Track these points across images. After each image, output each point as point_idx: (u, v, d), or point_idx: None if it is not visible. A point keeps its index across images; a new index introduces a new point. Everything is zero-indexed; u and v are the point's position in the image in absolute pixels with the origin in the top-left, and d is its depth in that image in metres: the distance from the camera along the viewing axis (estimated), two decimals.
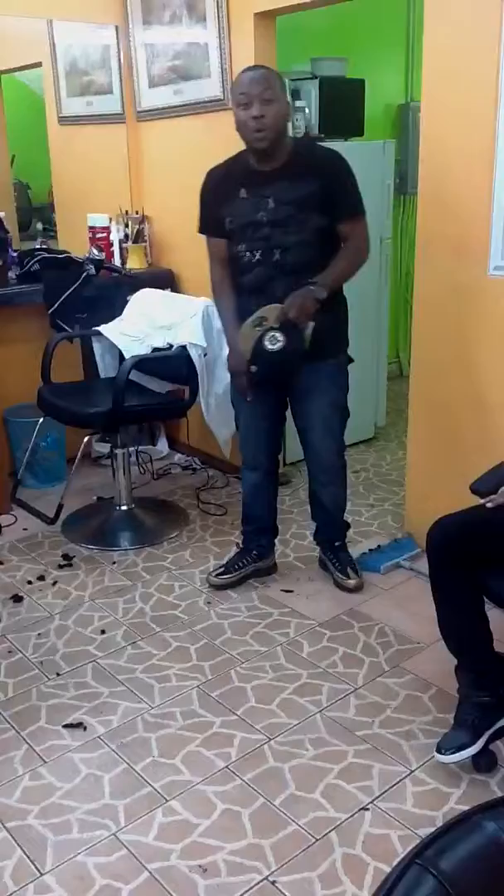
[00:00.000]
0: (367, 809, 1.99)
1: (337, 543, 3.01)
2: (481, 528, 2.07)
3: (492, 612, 2.08)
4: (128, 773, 2.13)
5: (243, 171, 2.60)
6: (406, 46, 4.84)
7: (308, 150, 2.65)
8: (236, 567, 3.00)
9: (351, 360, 2.79)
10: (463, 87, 2.64)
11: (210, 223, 2.71)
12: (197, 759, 2.17)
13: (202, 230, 2.76)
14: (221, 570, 3.01)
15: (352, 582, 2.92)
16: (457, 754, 2.06)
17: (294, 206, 2.52)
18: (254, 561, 3.02)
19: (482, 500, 2.09)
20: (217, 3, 3.37)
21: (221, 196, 2.64)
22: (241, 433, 2.94)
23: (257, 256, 2.59)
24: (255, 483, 2.96)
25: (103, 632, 2.75)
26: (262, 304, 2.56)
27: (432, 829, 1.78)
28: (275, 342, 2.51)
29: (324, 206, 2.53)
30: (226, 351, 3.31)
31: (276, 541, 3.10)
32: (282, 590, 2.97)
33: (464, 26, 2.59)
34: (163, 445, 4.27)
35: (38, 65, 4.38)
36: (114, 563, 3.21)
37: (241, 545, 3.09)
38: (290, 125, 2.68)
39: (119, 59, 3.98)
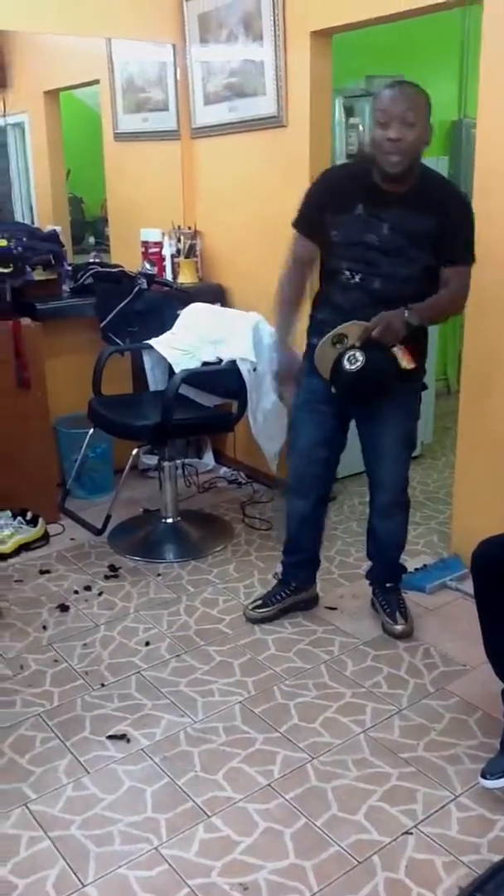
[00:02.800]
0: (411, 833, 1.97)
1: (388, 585, 2.88)
2: None
3: None
4: (170, 786, 2.14)
5: (364, 185, 2.41)
6: (460, 64, 4.84)
7: (435, 183, 2.45)
8: (274, 600, 2.89)
9: (425, 387, 2.68)
10: None
11: (309, 223, 2.53)
12: (239, 775, 2.17)
13: (297, 225, 2.56)
14: (259, 602, 2.91)
15: (399, 628, 2.77)
16: (502, 780, 2.04)
17: (408, 238, 2.37)
18: (293, 593, 2.91)
19: None
20: (274, 21, 3.40)
21: (335, 203, 2.45)
22: (296, 458, 2.76)
23: (357, 279, 2.45)
24: (305, 513, 2.80)
25: (148, 644, 2.76)
26: (342, 323, 2.44)
27: (476, 856, 1.76)
28: (354, 362, 2.37)
29: (437, 245, 2.39)
30: (274, 367, 3.32)
31: (317, 572, 2.98)
32: (326, 607, 2.96)
33: None
34: (209, 458, 4.29)
35: (96, 82, 4.46)
36: (159, 575, 3.23)
37: (279, 576, 2.98)
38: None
39: (175, 77, 4.04)
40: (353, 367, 2.38)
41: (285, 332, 2.64)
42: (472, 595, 2.20)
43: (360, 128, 3.78)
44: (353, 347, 2.38)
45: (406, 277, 2.41)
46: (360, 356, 2.36)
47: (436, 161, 4.06)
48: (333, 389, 2.49)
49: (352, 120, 3.77)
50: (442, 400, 4.82)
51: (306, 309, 2.67)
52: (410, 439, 2.71)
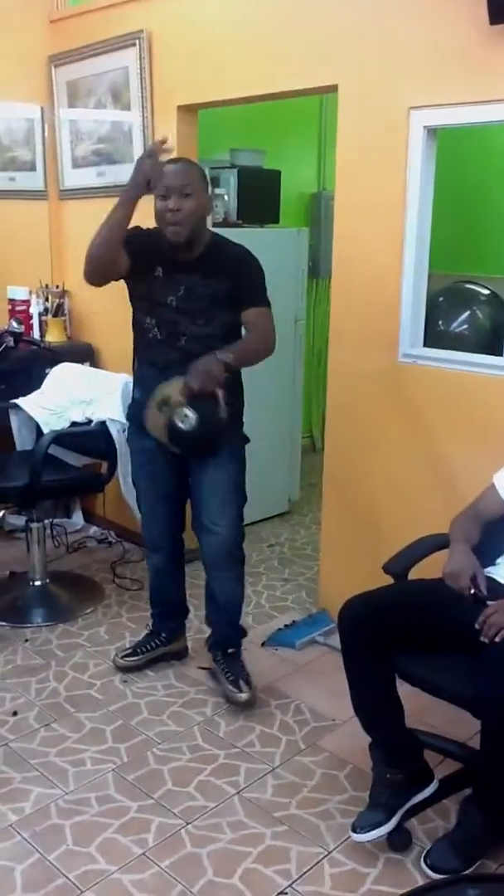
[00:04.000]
0: (286, 893, 1.99)
1: (230, 650, 2.83)
2: (391, 607, 2.14)
3: (403, 689, 2.13)
4: (41, 863, 2.07)
5: (162, 251, 2.55)
6: (318, 140, 5.12)
7: (221, 249, 2.59)
8: (144, 650, 2.94)
9: (247, 440, 2.72)
10: (373, 181, 2.82)
11: (132, 246, 2.52)
12: (113, 846, 2.13)
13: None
14: (129, 651, 2.96)
15: (243, 696, 2.69)
16: (371, 833, 2.09)
17: (205, 300, 2.53)
18: (163, 644, 2.96)
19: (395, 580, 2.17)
20: (141, 94, 3.51)
21: (142, 259, 2.54)
22: (143, 516, 2.86)
23: (163, 335, 2.58)
24: (160, 566, 2.90)
25: (15, 713, 2.68)
26: (159, 381, 2.49)
27: None
28: (186, 421, 2.37)
29: (232, 302, 2.54)
30: None
31: (186, 622, 3.03)
32: (198, 667, 2.97)
33: (373, 126, 2.78)
34: (78, 518, 4.24)
35: None
36: (26, 640, 3.14)
37: (150, 626, 3.03)
38: (209, 218, 2.65)
39: (43, 139, 4.07)
40: (187, 427, 2.38)
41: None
42: (339, 650, 2.27)
43: (226, 198, 3.92)
44: (179, 405, 2.37)
45: (207, 336, 2.54)
46: (190, 414, 2.36)
47: (297, 232, 4.27)
48: (174, 449, 2.54)
49: (217, 190, 3.91)
50: (308, 456, 4.97)
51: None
52: (240, 486, 2.69)
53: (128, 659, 2.94)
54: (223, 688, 2.78)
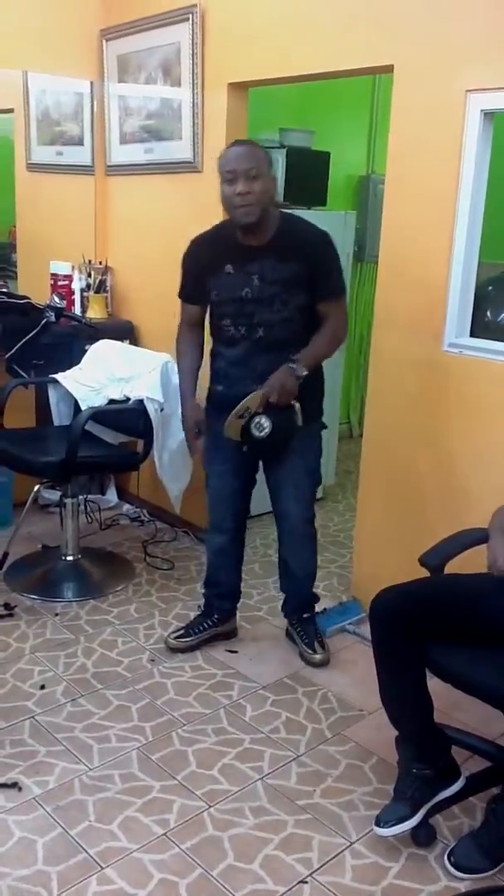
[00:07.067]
0: (306, 882, 1.98)
1: (305, 615, 2.96)
2: (425, 601, 2.10)
3: (432, 683, 2.10)
4: (63, 837, 2.08)
5: (229, 245, 2.58)
6: (369, 123, 5.04)
7: (295, 228, 2.60)
8: (197, 630, 2.95)
9: (324, 427, 2.82)
10: (425, 165, 2.76)
11: (191, 291, 2.72)
12: (135, 825, 2.13)
13: (181, 296, 2.76)
14: (181, 632, 2.96)
15: (318, 657, 2.86)
16: (395, 827, 2.07)
17: (280, 285, 2.53)
18: (214, 625, 2.97)
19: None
20: (192, 70, 3.47)
21: (207, 267, 2.63)
22: (211, 494, 2.87)
23: (241, 332, 2.60)
24: (222, 547, 2.91)
25: (43, 687, 2.69)
26: (241, 376, 2.59)
27: None
28: (261, 429, 2.49)
29: (308, 286, 2.55)
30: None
31: (237, 604, 3.06)
32: (226, 650, 2.96)
33: (428, 109, 2.71)
34: (112, 495, 4.25)
35: (10, 111, 4.42)
36: (56, 614, 3.16)
37: (202, 607, 3.04)
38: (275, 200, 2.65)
39: (92, 113, 4.05)
40: (261, 434, 2.50)
41: (190, 393, 2.75)
42: (369, 640, 2.25)
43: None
44: (256, 415, 2.49)
45: (284, 320, 2.57)
46: (265, 423, 2.49)
47: (344, 214, 4.20)
48: (245, 450, 2.59)
49: None
50: (344, 443, 4.92)
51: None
52: (314, 471, 2.81)
53: (181, 640, 2.93)
54: (299, 648, 2.92)
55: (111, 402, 3.41)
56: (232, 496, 2.84)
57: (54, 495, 3.86)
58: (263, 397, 2.48)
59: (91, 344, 3.69)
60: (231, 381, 2.66)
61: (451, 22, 2.61)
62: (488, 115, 2.61)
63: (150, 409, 3.29)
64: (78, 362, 3.65)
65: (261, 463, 2.82)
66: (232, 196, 2.46)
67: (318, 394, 2.76)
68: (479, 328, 2.82)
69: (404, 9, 2.73)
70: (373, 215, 4.76)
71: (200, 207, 3.57)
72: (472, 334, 2.81)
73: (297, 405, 2.52)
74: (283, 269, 2.53)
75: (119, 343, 3.73)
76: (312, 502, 2.87)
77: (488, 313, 2.88)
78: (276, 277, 2.53)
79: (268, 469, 2.81)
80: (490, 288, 2.96)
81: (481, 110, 2.59)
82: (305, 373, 2.50)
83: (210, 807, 2.20)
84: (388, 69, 2.83)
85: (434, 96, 2.69)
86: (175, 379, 3.36)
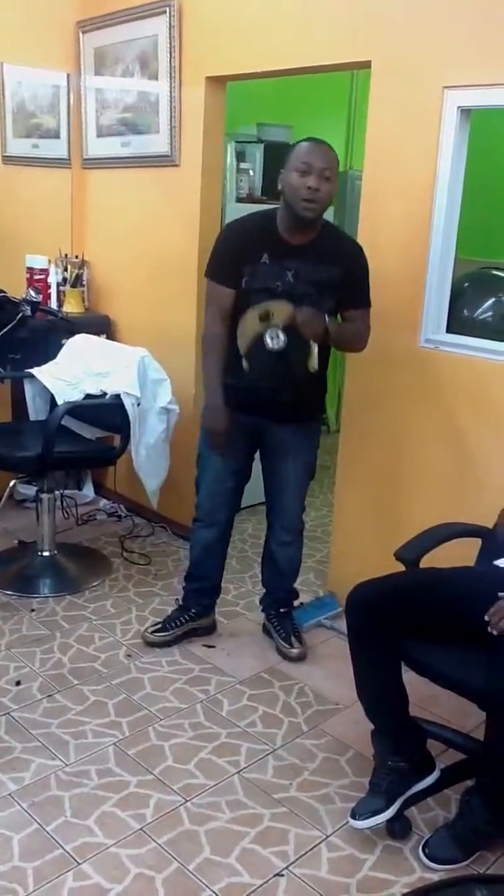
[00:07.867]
0: (283, 875, 1.99)
1: (283, 610, 2.99)
2: (400, 594, 2.12)
3: (407, 676, 2.11)
4: (39, 833, 2.07)
5: (268, 236, 2.54)
6: (347, 118, 5.05)
7: (335, 236, 2.65)
8: (174, 625, 2.94)
9: (324, 423, 2.84)
10: (403, 161, 2.77)
11: (223, 272, 2.59)
12: (111, 820, 2.13)
13: (212, 276, 2.62)
14: (158, 626, 2.95)
15: (295, 651, 2.89)
16: (370, 820, 2.08)
17: (313, 286, 2.52)
18: (192, 619, 2.96)
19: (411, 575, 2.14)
20: (170, 63, 3.45)
21: (243, 253, 2.56)
22: (205, 489, 2.84)
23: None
24: (209, 542, 2.90)
25: (18, 683, 2.68)
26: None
27: None
28: (276, 340, 2.43)
29: (338, 293, 2.56)
30: (159, 403, 3.34)
31: (217, 599, 3.05)
32: (203, 645, 2.96)
33: (405, 105, 2.72)
34: (89, 490, 4.23)
35: None
36: (32, 610, 3.14)
37: (180, 602, 3.03)
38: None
39: (68, 107, 4.02)
40: (274, 346, 2.43)
41: (222, 402, 2.65)
42: (346, 635, 2.26)
43: (251, 173, 3.87)
44: (276, 327, 2.43)
45: None
46: (282, 336, 2.43)
47: None
48: (245, 364, 2.52)
49: (242, 165, 3.86)
50: (321, 438, 4.91)
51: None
52: (312, 468, 2.88)
53: (158, 634, 2.92)
54: (276, 643, 2.94)
55: (88, 396, 3.39)
56: (228, 492, 2.84)
57: (30, 490, 3.84)
58: (292, 312, 2.42)
59: (68, 338, 3.67)
60: (246, 374, 2.57)
61: (429, 18, 2.62)
62: (465, 112, 2.63)
63: (128, 403, 3.28)
64: (54, 357, 3.62)
65: (259, 461, 2.84)
66: (301, 188, 2.41)
67: (322, 391, 2.79)
68: (456, 324, 2.84)
69: (382, 5, 2.74)
70: (350, 211, 4.76)
71: (178, 202, 3.57)
72: (449, 330, 2.82)
73: (315, 347, 2.48)
74: (320, 270, 2.52)
75: (96, 338, 3.71)
76: (306, 496, 2.92)
77: (465, 310, 2.90)
78: (312, 278, 2.52)
79: (271, 464, 2.81)
80: (466, 284, 2.98)
81: (458, 107, 2.60)
82: (332, 330, 2.48)
83: (187, 801, 2.21)
84: (366, 65, 2.84)
85: (412, 92, 2.70)
86: (152, 374, 3.35)
